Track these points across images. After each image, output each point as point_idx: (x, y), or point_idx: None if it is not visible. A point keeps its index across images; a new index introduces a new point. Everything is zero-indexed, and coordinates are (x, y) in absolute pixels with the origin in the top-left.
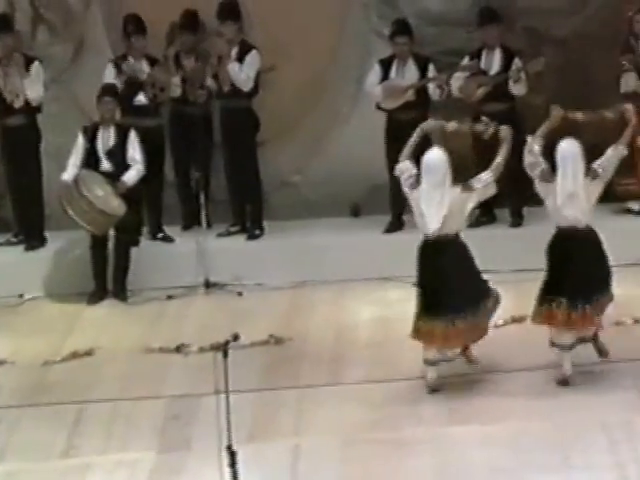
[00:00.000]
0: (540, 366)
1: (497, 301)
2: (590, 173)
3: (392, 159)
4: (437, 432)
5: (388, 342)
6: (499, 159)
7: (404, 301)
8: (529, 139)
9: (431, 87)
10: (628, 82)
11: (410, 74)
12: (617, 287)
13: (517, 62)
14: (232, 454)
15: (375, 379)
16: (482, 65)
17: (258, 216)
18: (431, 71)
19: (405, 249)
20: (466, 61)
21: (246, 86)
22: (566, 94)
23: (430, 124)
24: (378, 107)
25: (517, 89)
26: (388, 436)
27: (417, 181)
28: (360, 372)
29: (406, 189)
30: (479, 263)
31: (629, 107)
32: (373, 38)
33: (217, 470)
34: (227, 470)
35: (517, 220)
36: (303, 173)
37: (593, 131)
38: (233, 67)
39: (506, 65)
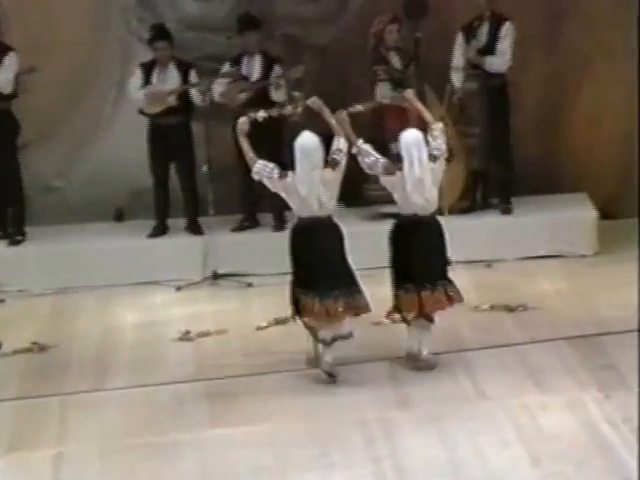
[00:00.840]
0: (303, 368)
1: None
2: (430, 157)
3: (155, 163)
4: (200, 435)
5: (154, 346)
6: (333, 122)
7: (169, 305)
8: (354, 145)
9: (193, 92)
10: (383, 91)
11: (172, 79)
12: (376, 288)
13: (277, 69)
14: None
15: (140, 384)
16: (243, 71)
17: (20, 221)
18: (193, 76)
19: (169, 253)
20: (227, 67)
21: (4, 89)
22: (325, 100)
23: (243, 119)
24: (141, 112)
25: (277, 95)
26: (151, 441)
27: (282, 170)
28: (125, 377)
29: (274, 183)
30: None
31: (409, 92)
32: (134, 42)
33: None
34: None
35: (279, 224)
36: (66, 177)
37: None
38: None
39: (266, 71)
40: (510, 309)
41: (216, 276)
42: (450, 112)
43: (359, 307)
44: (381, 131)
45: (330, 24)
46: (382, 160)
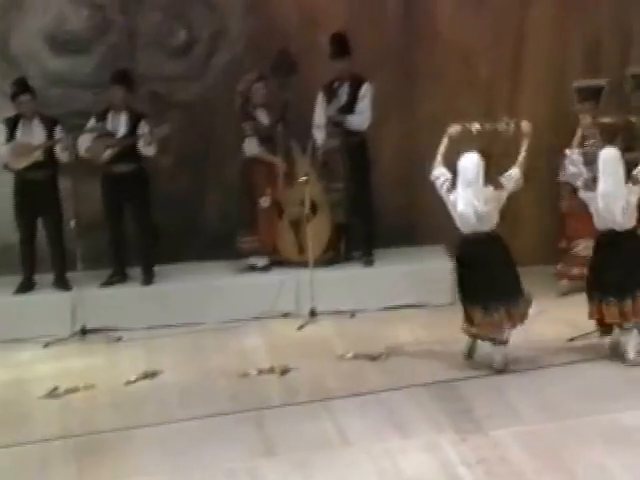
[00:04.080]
0: (172, 420)
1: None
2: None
3: (22, 219)
4: None
5: (20, 405)
6: (523, 154)
7: (37, 362)
8: (568, 151)
9: (58, 148)
10: (250, 147)
11: (37, 134)
12: (241, 339)
13: (143, 125)
14: None
15: (5, 444)
16: (109, 127)
17: None
18: (58, 132)
19: (37, 309)
20: (92, 123)
21: None
22: (192, 156)
23: (455, 128)
24: (6, 167)
25: (147, 150)
26: None
27: (453, 185)
28: None
29: (442, 193)
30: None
31: (525, 122)
32: None
33: None
34: None
35: (148, 278)
36: None
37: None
38: None
39: (133, 127)
40: (373, 357)
41: (85, 331)
42: (314, 168)
43: (516, 317)
44: (249, 186)
45: (195, 82)
46: (585, 175)
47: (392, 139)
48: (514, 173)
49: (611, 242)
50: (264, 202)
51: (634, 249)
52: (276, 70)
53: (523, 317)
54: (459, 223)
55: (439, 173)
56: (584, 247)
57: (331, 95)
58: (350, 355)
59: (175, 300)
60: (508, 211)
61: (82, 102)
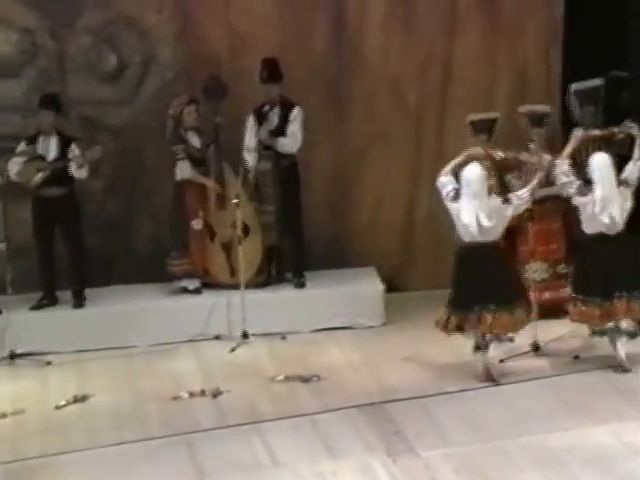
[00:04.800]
0: (102, 444)
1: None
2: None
3: None
4: None
5: None
6: (535, 180)
7: None
8: (558, 161)
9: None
10: (183, 170)
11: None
12: (172, 363)
13: (74, 148)
14: None
15: None
16: (39, 150)
17: None
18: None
19: None
20: (23, 146)
21: None
22: (123, 179)
23: (478, 152)
24: None
25: (79, 173)
26: None
27: (457, 195)
28: None
29: (447, 201)
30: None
31: (546, 156)
32: None
33: None
34: None
35: (78, 302)
36: None
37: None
38: None
39: (63, 150)
40: (304, 379)
41: (13, 356)
42: (246, 190)
43: (508, 325)
44: (181, 209)
45: (125, 106)
46: (578, 182)
47: (322, 163)
48: (524, 195)
49: (602, 245)
50: (196, 225)
51: (624, 251)
52: (208, 93)
53: (519, 324)
54: (462, 232)
55: (446, 181)
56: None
57: (262, 118)
58: (282, 377)
59: (106, 323)
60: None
61: (12, 126)
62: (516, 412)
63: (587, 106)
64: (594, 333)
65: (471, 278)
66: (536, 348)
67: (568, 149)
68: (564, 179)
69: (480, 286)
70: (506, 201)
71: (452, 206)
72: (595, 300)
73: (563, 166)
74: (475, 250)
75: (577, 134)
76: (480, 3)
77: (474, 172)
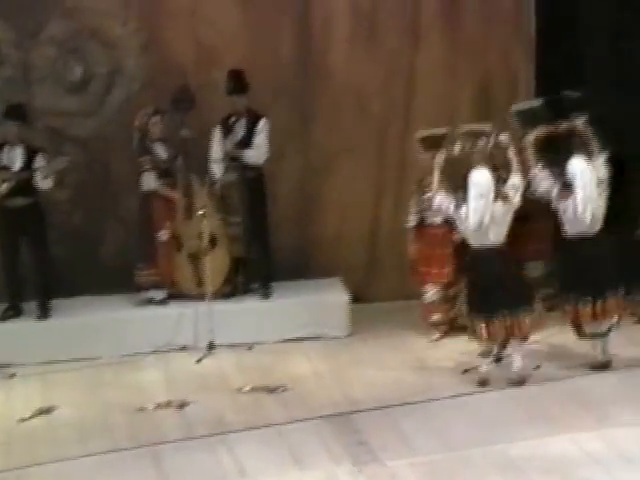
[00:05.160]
0: (68, 457)
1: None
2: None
3: None
4: None
5: None
6: (515, 161)
7: None
8: (536, 170)
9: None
10: (149, 181)
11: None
12: (136, 374)
13: (40, 159)
14: None
15: None
16: (4, 161)
17: None
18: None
19: None
20: None
21: None
22: (89, 190)
23: (441, 157)
24: None
25: (44, 184)
26: None
27: (459, 202)
28: None
29: (451, 213)
30: None
31: (503, 135)
32: None
33: None
34: None
35: (43, 313)
36: None
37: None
38: None
39: (28, 161)
40: (271, 390)
41: None
42: (212, 201)
43: (522, 328)
44: (148, 220)
45: (91, 117)
46: (558, 185)
47: (289, 174)
48: (517, 181)
49: (582, 245)
50: (163, 235)
51: (604, 250)
52: (176, 104)
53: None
54: (470, 236)
55: (440, 201)
56: (433, 294)
57: (228, 130)
58: (248, 388)
59: (72, 334)
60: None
61: None
62: (480, 421)
63: (527, 127)
64: (582, 336)
65: (485, 284)
66: (498, 359)
67: (532, 158)
68: (544, 184)
69: (495, 292)
70: (505, 199)
71: (459, 215)
72: (587, 299)
73: (540, 173)
74: (484, 254)
75: (529, 139)
76: (443, 17)
77: (483, 174)
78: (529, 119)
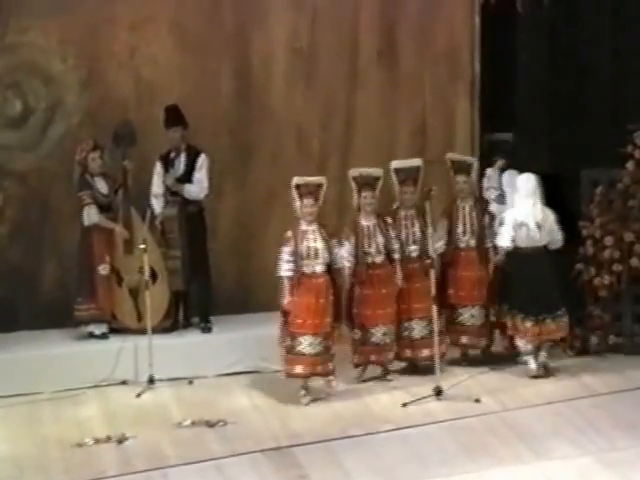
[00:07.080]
0: None
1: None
2: None
3: None
4: None
5: None
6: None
7: None
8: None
9: None
10: (90, 215)
11: None
12: (76, 409)
13: None
14: None
15: None
16: None
17: None
18: None
19: None
20: None
21: None
22: (28, 225)
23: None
24: None
25: None
26: None
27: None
28: None
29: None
30: None
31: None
32: None
33: None
34: None
35: None
36: None
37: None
38: None
39: None
40: (211, 424)
41: None
42: (153, 235)
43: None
44: (88, 254)
45: (30, 151)
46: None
47: (228, 209)
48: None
49: (533, 259)
50: (103, 270)
51: (551, 265)
52: (117, 139)
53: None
54: (515, 235)
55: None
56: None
57: (168, 165)
58: (188, 422)
59: (9, 370)
60: None
61: None
62: (420, 455)
63: (405, 186)
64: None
65: (528, 284)
66: (438, 392)
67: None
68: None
69: (536, 293)
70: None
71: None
72: (530, 317)
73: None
74: (527, 255)
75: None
76: (381, 56)
77: (529, 176)
78: (406, 178)
